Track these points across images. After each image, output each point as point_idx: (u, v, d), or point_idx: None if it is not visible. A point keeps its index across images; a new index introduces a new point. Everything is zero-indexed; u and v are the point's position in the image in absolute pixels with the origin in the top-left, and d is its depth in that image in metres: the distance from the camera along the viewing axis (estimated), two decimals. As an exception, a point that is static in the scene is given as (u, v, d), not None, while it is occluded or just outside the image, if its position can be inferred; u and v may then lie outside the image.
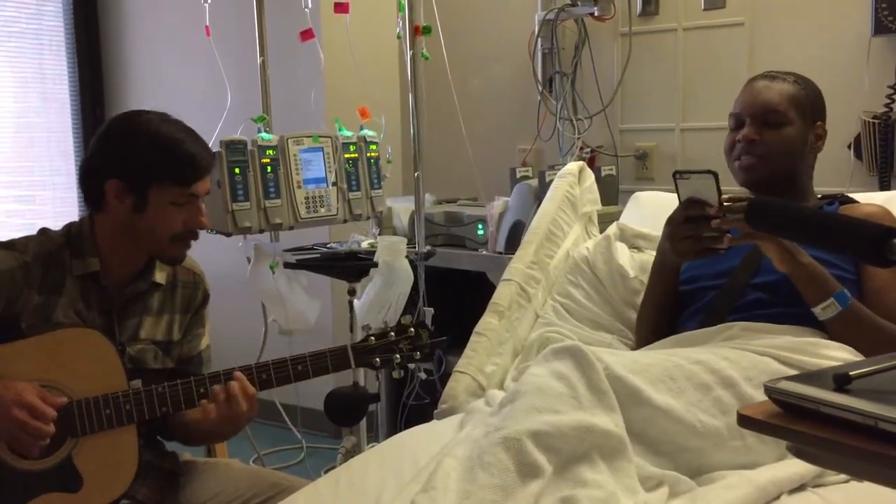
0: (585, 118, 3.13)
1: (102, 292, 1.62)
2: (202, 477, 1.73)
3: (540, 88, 3.20)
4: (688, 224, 1.55)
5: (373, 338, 1.68)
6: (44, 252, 1.59)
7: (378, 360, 1.67)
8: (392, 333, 1.69)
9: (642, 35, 3.06)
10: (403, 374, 1.82)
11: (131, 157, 1.57)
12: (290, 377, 1.61)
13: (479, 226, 2.88)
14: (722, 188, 1.51)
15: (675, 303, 1.79)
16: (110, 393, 1.51)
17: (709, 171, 1.50)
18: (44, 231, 1.65)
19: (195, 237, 1.66)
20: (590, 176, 2.31)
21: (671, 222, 1.60)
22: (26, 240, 1.61)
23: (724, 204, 1.50)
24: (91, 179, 1.61)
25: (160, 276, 1.69)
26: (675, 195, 1.58)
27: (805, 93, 1.77)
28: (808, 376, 0.87)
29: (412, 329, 1.70)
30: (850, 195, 1.90)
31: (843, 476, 1.32)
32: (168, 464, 1.73)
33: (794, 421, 0.83)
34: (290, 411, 3.01)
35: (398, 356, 1.68)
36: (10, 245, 1.58)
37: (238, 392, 1.56)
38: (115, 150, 1.60)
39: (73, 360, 1.52)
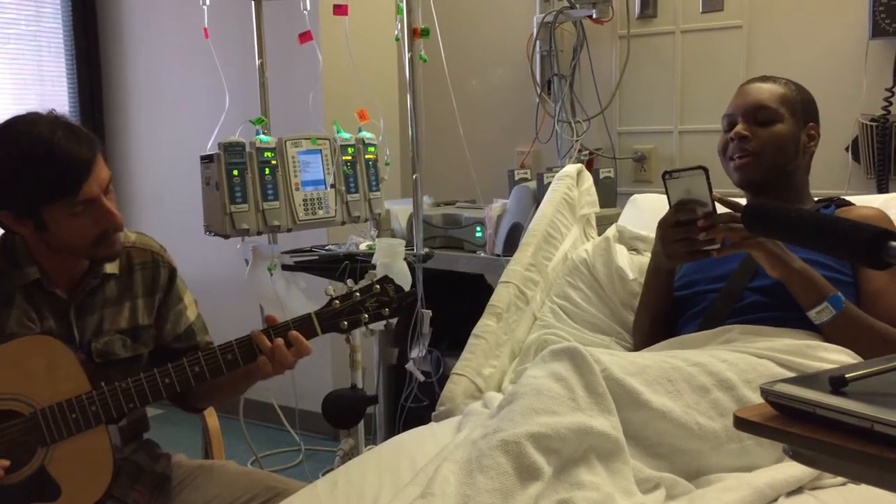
0: (584, 120, 3.13)
1: (51, 298, 1.58)
2: (197, 480, 1.72)
3: (538, 91, 3.20)
4: (679, 227, 1.56)
5: (337, 301, 1.61)
6: None
7: (346, 322, 1.60)
8: (357, 293, 1.62)
9: (640, 38, 3.06)
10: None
11: (3, 187, 1.48)
12: (254, 353, 1.56)
13: (478, 228, 2.88)
14: (715, 188, 1.51)
15: (670, 306, 1.80)
16: (74, 397, 1.48)
17: (699, 167, 1.49)
18: None
19: (118, 230, 1.56)
20: (588, 178, 2.31)
21: (663, 225, 1.60)
22: None
23: (716, 208, 1.51)
24: None
25: (111, 268, 1.63)
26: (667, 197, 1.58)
27: (796, 94, 1.79)
28: (805, 379, 0.87)
29: (377, 286, 1.63)
30: (847, 198, 1.90)
31: (840, 479, 1.32)
32: (160, 466, 1.71)
33: (791, 423, 0.83)
34: (288, 413, 3.00)
35: (366, 315, 1.61)
36: None
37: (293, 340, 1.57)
38: None
39: (31, 369, 1.49)
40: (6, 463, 1.44)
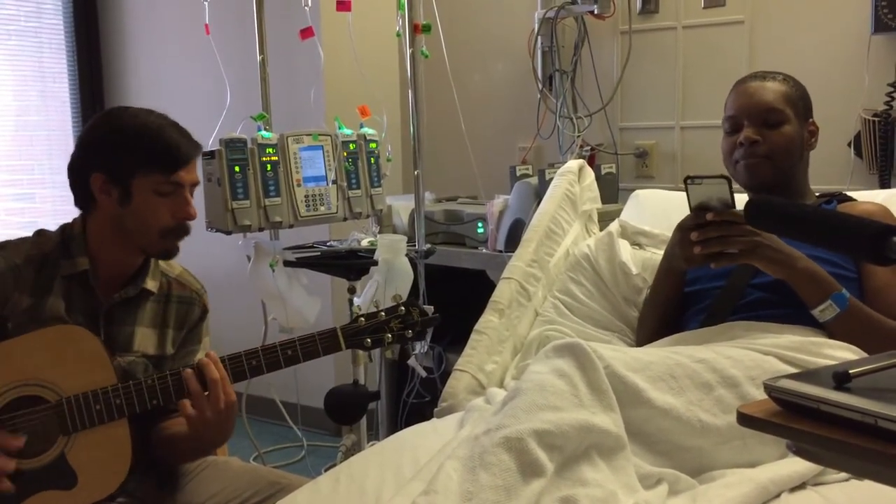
0: (585, 116, 3.13)
1: (88, 295, 1.60)
2: (201, 475, 1.73)
3: (540, 86, 3.20)
4: (698, 231, 1.54)
5: (363, 318, 1.64)
6: (36, 254, 1.58)
7: (369, 340, 1.63)
8: (382, 313, 1.65)
9: (642, 33, 3.06)
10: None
11: (111, 148, 1.58)
12: (279, 362, 1.58)
13: (479, 224, 2.88)
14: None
15: (678, 305, 1.79)
16: (100, 388, 1.50)
17: (722, 177, 1.49)
18: (40, 233, 1.64)
19: (186, 232, 1.64)
20: (590, 174, 2.31)
21: (681, 229, 1.59)
22: (20, 242, 1.60)
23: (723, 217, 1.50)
24: (77, 176, 1.61)
25: (151, 285, 1.67)
26: (677, 194, 1.57)
27: (795, 91, 1.78)
28: (808, 374, 0.87)
29: (402, 308, 1.66)
30: (849, 193, 1.90)
31: (843, 474, 1.32)
32: (167, 462, 1.72)
33: (794, 419, 0.83)
34: (291, 409, 3.01)
35: (389, 335, 1.64)
36: (2, 247, 1.58)
37: (215, 376, 1.51)
38: (96, 143, 1.61)
39: (60, 357, 1.51)
40: (20, 443, 1.46)
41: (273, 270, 2.36)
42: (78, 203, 1.64)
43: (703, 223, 1.53)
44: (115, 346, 1.62)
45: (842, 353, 1.50)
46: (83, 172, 1.59)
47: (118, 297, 1.63)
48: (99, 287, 1.61)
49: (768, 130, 1.74)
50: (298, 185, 2.31)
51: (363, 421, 2.46)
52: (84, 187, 1.59)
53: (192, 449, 1.65)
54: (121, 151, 1.57)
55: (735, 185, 1.51)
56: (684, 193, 1.56)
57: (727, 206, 1.50)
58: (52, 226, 1.67)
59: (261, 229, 2.31)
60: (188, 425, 1.54)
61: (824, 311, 1.53)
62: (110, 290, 1.63)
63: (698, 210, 1.54)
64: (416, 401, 2.77)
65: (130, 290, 1.64)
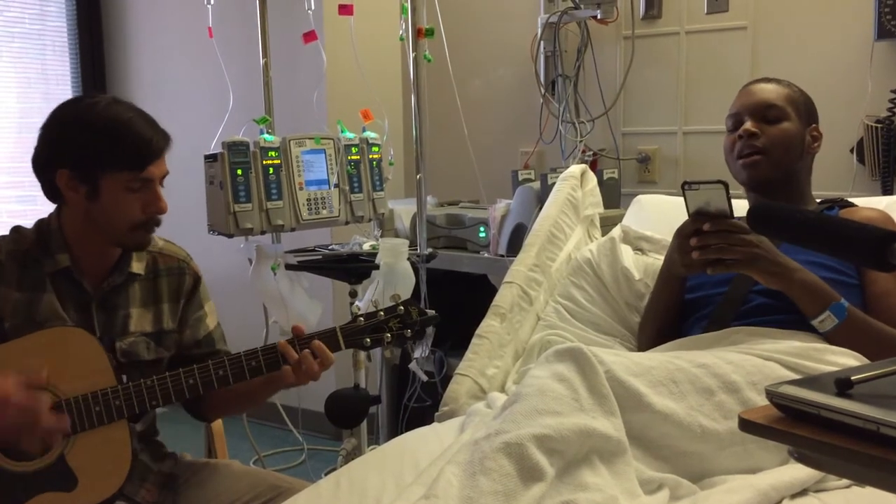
0: (588, 121, 3.13)
1: (77, 288, 1.59)
2: (202, 478, 1.73)
3: (542, 91, 3.20)
4: (697, 237, 1.54)
5: (361, 318, 1.65)
6: (17, 250, 1.57)
7: (368, 339, 1.64)
8: (381, 313, 1.65)
9: (645, 38, 3.06)
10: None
11: (76, 145, 1.53)
12: (278, 362, 1.58)
13: (481, 228, 2.88)
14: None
15: (679, 311, 1.79)
16: (99, 390, 1.50)
17: (719, 182, 1.49)
18: (17, 229, 1.63)
19: (157, 223, 1.61)
20: (592, 179, 2.31)
21: (680, 235, 1.59)
22: None
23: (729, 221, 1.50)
24: (42, 171, 1.57)
25: (138, 267, 1.66)
26: (680, 200, 1.57)
27: (800, 95, 1.80)
28: (810, 380, 0.87)
29: (401, 307, 1.66)
30: (851, 199, 1.90)
31: (844, 481, 1.31)
32: (167, 465, 1.72)
33: (796, 425, 0.83)
34: (291, 413, 3.01)
35: (389, 335, 1.65)
36: None
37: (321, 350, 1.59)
38: (59, 138, 1.55)
39: (60, 359, 1.50)
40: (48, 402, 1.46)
41: (275, 273, 2.36)
42: (47, 196, 1.61)
43: (701, 229, 1.53)
44: (113, 331, 1.61)
45: (844, 359, 1.50)
46: (48, 168, 1.56)
47: (107, 286, 1.62)
48: (85, 279, 1.60)
49: (767, 125, 1.76)
50: (300, 189, 2.31)
51: (364, 425, 2.46)
52: (50, 182, 1.56)
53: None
54: (87, 148, 1.52)
55: (732, 190, 1.51)
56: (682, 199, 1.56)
57: (724, 211, 1.50)
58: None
59: (262, 232, 2.31)
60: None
61: (823, 322, 1.53)
62: (97, 280, 1.62)
63: (696, 216, 1.54)
64: (416, 405, 2.77)
65: (117, 277, 1.63)
